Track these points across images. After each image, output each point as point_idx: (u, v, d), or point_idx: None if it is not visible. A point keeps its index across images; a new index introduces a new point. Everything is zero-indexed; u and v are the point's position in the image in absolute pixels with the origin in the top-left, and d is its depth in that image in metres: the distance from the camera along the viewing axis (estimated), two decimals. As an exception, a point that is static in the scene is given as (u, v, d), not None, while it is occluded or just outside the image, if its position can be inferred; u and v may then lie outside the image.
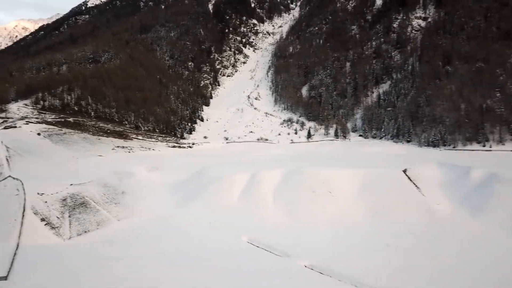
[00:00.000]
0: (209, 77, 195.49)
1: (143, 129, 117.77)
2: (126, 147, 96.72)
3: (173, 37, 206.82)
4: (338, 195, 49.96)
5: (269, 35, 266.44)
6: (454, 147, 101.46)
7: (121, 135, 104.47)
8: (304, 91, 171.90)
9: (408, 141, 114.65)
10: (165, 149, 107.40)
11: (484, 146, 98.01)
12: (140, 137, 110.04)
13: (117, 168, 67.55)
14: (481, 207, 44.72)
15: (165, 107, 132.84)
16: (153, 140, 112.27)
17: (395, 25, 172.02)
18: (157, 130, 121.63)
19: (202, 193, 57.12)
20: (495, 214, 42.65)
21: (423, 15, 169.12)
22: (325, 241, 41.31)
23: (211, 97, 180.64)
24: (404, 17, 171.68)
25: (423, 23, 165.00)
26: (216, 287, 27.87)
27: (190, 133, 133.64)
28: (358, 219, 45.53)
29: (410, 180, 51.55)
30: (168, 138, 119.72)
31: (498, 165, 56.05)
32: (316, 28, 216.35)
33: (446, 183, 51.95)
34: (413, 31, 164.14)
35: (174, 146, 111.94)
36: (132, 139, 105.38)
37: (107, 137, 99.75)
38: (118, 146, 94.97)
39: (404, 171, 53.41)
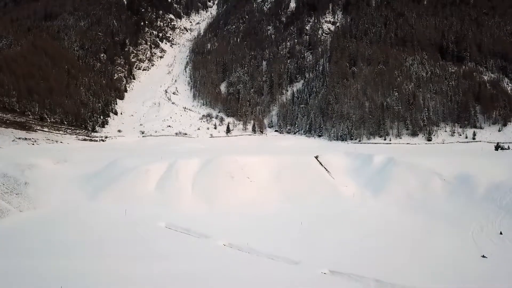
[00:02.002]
0: (123, 70, 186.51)
1: (49, 120, 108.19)
2: (30, 139, 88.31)
3: (83, 27, 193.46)
4: (255, 180, 51.87)
5: (187, 31, 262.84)
6: (359, 141, 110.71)
7: (23, 126, 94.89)
8: (223, 87, 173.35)
9: (319, 136, 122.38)
10: (75, 142, 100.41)
11: (385, 139, 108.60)
12: (46, 129, 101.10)
13: (19, 160, 61.55)
14: (381, 188, 49.78)
15: (74, 98, 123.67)
16: (60, 132, 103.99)
17: (307, 28, 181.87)
18: (65, 122, 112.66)
19: (115, 183, 54.81)
20: (392, 193, 47.85)
21: (332, 20, 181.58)
22: (243, 223, 42.63)
23: (126, 91, 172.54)
24: (316, 21, 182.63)
25: (332, 27, 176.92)
26: (130, 273, 26.82)
27: (103, 127, 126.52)
28: (274, 200, 47.86)
29: (321, 165, 55.60)
30: (78, 131, 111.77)
31: (395, 154, 62.90)
32: (234, 26, 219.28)
33: (353, 169, 56.89)
34: (323, 34, 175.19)
35: (85, 139, 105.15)
36: (36, 131, 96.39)
37: (6, 128, 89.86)
38: (19, 138, 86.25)
39: (316, 157, 57.44)
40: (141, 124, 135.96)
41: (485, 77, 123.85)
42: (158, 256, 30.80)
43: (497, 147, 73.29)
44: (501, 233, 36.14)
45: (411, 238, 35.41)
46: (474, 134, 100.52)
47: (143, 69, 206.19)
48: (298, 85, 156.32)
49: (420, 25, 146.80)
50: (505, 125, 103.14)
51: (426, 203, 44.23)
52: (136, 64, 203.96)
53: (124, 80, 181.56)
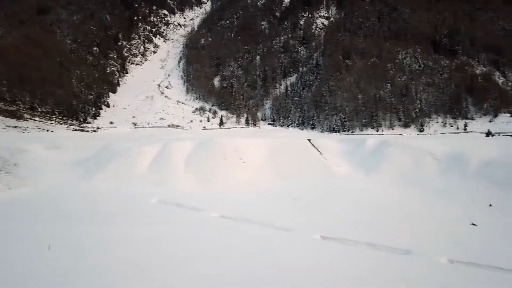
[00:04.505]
0: (116, 64, 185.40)
1: (40, 110, 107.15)
2: (20, 127, 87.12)
3: (76, 21, 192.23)
4: (248, 161, 51.60)
5: (181, 27, 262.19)
6: (352, 132, 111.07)
7: (14, 115, 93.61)
8: (216, 81, 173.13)
9: (312, 128, 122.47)
10: (66, 132, 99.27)
11: (377, 131, 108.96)
12: (37, 118, 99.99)
13: (8, 144, 60.76)
14: (375, 167, 49.77)
15: (66, 89, 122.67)
16: (52, 122, 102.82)
17: (301, 23, 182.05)
18: (56, 113, 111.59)
19: (108, 164, 54.16)
20: (385, 172, 47.85)
21: (326, 15, 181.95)
22: (235, 198, 42.34)
23: (118, 85, 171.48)
24: (310, 16, 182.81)
25: (326, 22, 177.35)
26: (120, 234, 26.67)
27: (95, 118, 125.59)
28: (268, 179, 47.67)
29: (314, 146, 55.58)
30: (69, 121, 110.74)
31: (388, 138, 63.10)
32: (228, 22, 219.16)
33: (346, 151, 56.84)
34: (317, 28, 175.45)
35: (76, 130, 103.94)
36: (27, 120, 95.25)
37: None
38: (9, 126, 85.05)
39: (309, 140, 57.41)
40: (133, 117, 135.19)
41: (477, 71, 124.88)
42: (149, 223, 30.55)
43: (488, 133, 73.93)
44: (490, 205, 36.54)
45: (403, 209, 35.52)
46: (466, 125, 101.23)
47: (136, 64, 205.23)
48: (292, 79, 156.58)
49: (413, 19, 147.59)
50: (496, 116, 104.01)
51: (419, 180, 44.38)
52: (129, 58, 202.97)
53: (117, 74, 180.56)
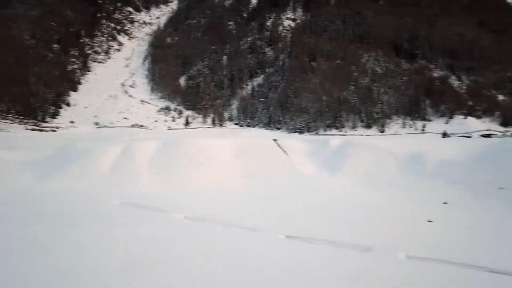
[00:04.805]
0: (78, 61, 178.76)
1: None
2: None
3: (34, 16, 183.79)
4: (214, 162, 51.09)
5: (146, 25, 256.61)
6: (316, 133, 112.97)
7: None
8: (182, 81, 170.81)
9: (278, 128, 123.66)
10: (23, 131, 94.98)
11: (341, 131, 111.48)
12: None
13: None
14: (338, 166, 50.46)
15: (23, 87, 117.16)
16: (7, 121, 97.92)
17: (268, 24, 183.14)
18: (12, 111, 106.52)
19: (69, 165, 51.99)
20: (348, 171, 48.59)
21: (293, 16, 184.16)
22: (200, 201, 41.82)
23: (80, 83, 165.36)
24: (277, 17, 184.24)
25: (292, 24, 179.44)
26: (80, 237, 25.71)
27: (54, 118, 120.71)
28: (234, 180, 47.27)
29: (280, 147, 56.11)
30: (26, 121, 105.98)
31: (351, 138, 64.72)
32: (195, 21, 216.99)
33: (310, 151, 57.42)
34: (284, 30, 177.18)
35: (34, 129, 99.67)
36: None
37: None
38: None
39: (275, 140, 57.90)
40: (95, 116, 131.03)
41: (435, 74, 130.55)
42: (111, 224, 29.64)
43: (444, 134, 77.55)
44: (445, 203, 38.02)
45: (364, 206, 36.27)
46: (424, 126, 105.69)
47: (99, 62, 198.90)
48: (258, 80, 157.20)
49: (376, 24, 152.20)
50: (451, 117, 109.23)
51: (380, 179, 45.50)
52: (91, 56, 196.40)
53: (79, 71, 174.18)
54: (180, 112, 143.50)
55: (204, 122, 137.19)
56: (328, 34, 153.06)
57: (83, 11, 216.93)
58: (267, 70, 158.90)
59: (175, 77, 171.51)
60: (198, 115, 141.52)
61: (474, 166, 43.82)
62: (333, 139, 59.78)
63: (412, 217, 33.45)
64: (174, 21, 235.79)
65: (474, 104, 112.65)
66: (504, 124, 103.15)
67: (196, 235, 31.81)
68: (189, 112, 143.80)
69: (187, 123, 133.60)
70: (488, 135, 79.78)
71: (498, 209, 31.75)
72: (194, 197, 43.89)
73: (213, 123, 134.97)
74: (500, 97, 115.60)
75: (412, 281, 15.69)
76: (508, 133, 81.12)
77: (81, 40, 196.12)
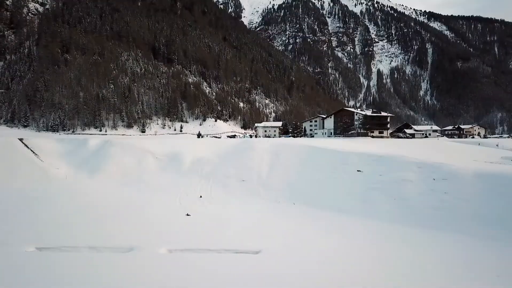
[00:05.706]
0: None
1: None
2: None
3: None
4: None
5: None
6: (73, 132, 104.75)
7: None
8: None
9: (25, 126, 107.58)
10: None
11: (100, 130, 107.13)
12: None
13: None
14: (98, 168, 49.14)
15: None
16: None
17: (8, 3, 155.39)
18: None
19: None
20: (109, 171, 48.04)
21: (41, 0, 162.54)
22: None
23: None
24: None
25: (40, 8, 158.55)
26: None
27: None
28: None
29: (28, 147, 49.62)
30: None
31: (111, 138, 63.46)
32: None
33: (65, 152, 53.35)
34: (29, 14, 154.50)
35: None
36: None
37: None
38: None
39: (21, 139, 50.73)
40: None
41: (190, 79, 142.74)
42: None
43: (199, 135, 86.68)
44: (201, 197, 42.87)
45: (126, 207, 36.90)
46: (182, 127, 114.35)
47: None
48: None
49: (135, 24, 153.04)
50: (204, 120, 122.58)
51: (141, 178, 47.09)
52: None
53: None
54: None
55: None
56: (84, 27, 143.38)
57: None
58: (8, 57, 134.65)
59: None
60: None
61: (221, 163, 51.52)
62: (92, 138, 57.21)
63: (172, 213, 36.53)
64: None
65: (222, 109, 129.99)
66: (244, 127, 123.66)
67: None
68: None
69: None
70: (233, 136, 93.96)
71: (242, 197, 38.68)
72: None
73: None
74: (241, 104, 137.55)
75: (174, 273, 18.00)
76: (247, 135, 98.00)
77: None
